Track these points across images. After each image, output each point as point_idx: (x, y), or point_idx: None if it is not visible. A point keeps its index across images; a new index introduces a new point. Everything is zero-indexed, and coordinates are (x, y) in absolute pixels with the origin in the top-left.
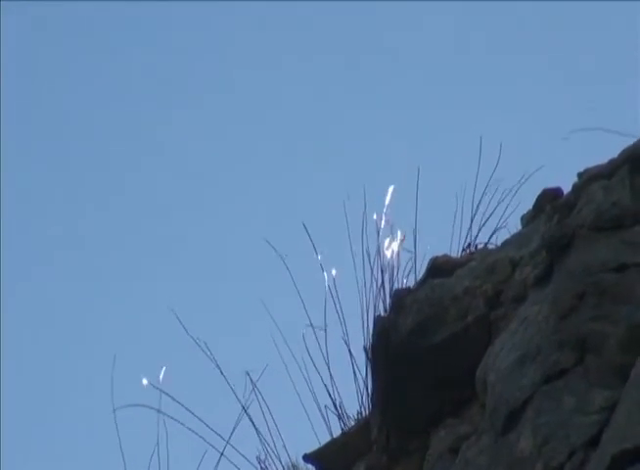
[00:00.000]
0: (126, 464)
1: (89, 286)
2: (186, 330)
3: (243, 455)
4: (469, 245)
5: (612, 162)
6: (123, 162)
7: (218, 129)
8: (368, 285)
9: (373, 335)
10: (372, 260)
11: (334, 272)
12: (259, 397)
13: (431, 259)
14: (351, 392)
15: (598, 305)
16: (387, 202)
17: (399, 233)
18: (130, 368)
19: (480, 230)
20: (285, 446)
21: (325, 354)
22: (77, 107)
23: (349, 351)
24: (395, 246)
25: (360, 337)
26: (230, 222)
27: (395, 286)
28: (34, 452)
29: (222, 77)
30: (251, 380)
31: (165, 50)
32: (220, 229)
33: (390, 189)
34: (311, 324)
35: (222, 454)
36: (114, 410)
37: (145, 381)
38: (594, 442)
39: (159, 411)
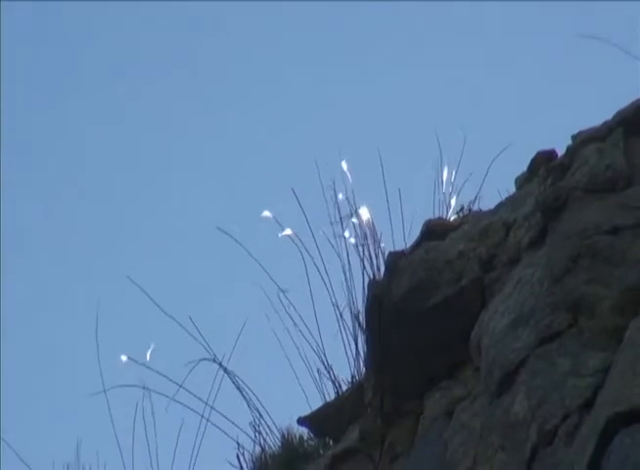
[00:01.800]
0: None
1: (68, 267)
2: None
3: (233, 423)
4: (462, 208)
5: (606, 124)
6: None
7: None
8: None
9: (367, 298)
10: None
11: (289, 231)
12: (233, 377)
13: (424, 222)
14: (341, 356)
15: (592, 268)
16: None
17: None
18: (112, 348)
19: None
20: (266, 415)
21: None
22: (76, 105)
23: (340, 314)
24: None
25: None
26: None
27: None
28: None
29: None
30: (220, 364)
31: (164, 46)
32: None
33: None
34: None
35: (208, 420)
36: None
37: (124, 358)
38: (588, 404)
39: (145, 389)
